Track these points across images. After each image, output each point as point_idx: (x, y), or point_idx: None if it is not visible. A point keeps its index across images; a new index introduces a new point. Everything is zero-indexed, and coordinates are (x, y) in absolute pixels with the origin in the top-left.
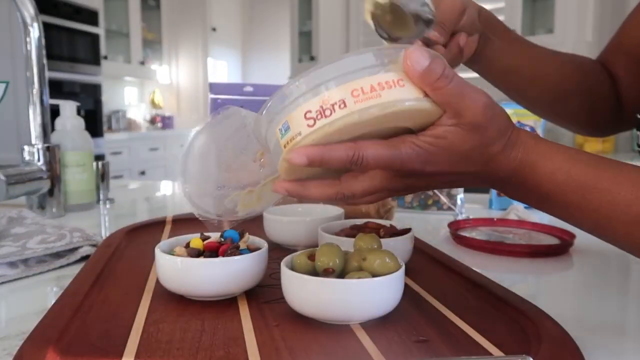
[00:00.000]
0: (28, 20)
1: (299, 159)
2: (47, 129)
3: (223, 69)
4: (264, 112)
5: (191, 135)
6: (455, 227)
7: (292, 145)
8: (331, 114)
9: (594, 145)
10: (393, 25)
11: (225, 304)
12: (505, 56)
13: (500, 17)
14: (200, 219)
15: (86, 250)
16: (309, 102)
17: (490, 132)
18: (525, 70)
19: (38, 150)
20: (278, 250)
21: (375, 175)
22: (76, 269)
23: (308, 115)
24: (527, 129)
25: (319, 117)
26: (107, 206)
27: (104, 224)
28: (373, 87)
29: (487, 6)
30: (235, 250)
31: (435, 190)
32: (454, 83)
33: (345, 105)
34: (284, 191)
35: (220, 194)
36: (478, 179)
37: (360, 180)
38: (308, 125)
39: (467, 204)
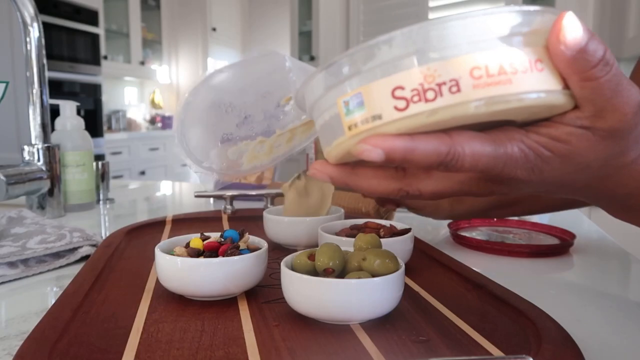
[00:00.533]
0: (28, 20)
1: (374, 155)
2: (47, 129)
3: None
4: (323, 70)
5: (213, 69)
6: (455, 227)
7: (363, 132)
8: (435, 97)
9: None
10: None
11: (225, 304)
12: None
13: None
14: (192, 170)
15: (86, 250)
16: (404, 72)
17: (629, 139)
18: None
19: (38, 150)
20: (278, 250)
21: (455, 176)
22: (76, 269)
23: (398, 92)
24: None
25: (416, 98)
26: (107, 206)
27: (104, 224)
28: (503, 69)
29: (486, 7)
30: (235, 250)
31: None
32: (612, 74)
33: (458, 89)
34: (326, 178)
35: (226, 143)
36: (587, 193)
37: (435, 180)
38: (396, 108)
39: None
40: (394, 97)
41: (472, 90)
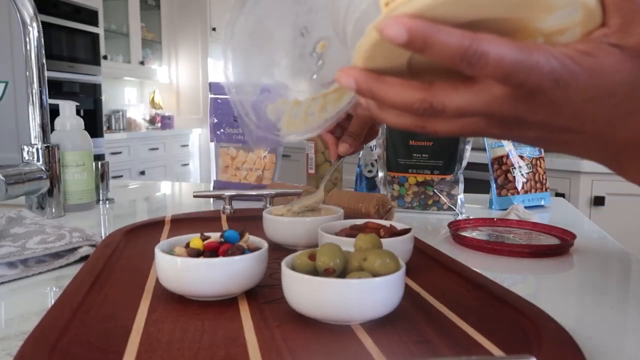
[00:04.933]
0: (27, 20)
1: (397, 31)
2: (47, 128)
3: None
4: None
5: None
6: (455, 227)
7: (399, 5)
8: None
9: None
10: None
11: (226, 304)
12: None
13: None
14: (239, 120)
15: (86, 250)
16: None
17: None
18: None
19: (37, 150)
20: (278, 251)
21: (483, 90)
22: (76, 269)
23: None
24: None
25: None
26: (107, 206)
27: (103, 224)
28: None
29: None
30: (236, 251)
31: (435, 190)
32: None
33: None
34: (350, 81)
35: (262, 98)
36: (606, 137)
37: (460, 92)
38: None
39: (467, 204)
40: None
41: None
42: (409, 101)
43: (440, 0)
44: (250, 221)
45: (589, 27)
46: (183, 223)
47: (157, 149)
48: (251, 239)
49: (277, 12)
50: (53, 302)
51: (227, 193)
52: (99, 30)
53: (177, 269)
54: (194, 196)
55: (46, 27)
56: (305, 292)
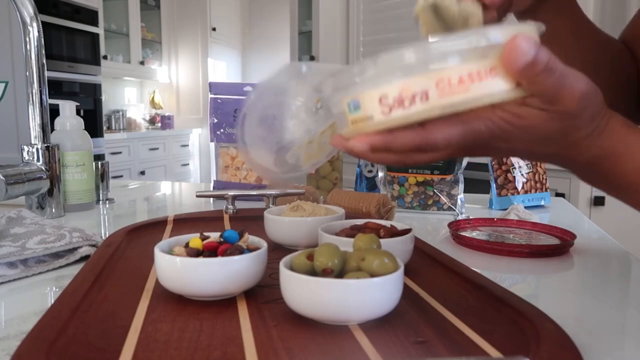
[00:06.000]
0: (27, 20)
1: (360, 147)
2: (47, 128)
3: (223, 69)
4: (333, 77)
5: (247, 99)
6: (455, 227)
7: (361, 128)
8: (410, 105)
9: None
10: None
11: (224, 304)
12: (555, 24)
13: None
14: (265, 180)
15: (86, 250)
16: (387, 85)
17: (579, 120)
18: (567, 42)
19: (37, 150)
20: (278, 251)
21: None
22: (76, 269)
23: (384, 100)
24: None
25: (396, 105)
26: (107, 206)
27: (103, 224)
28: (462, 79)
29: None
30: (235, 251)
31: (435, 190)
32: (556, 76)
33: (427, 98)
34: (343, 149)
35: (281, 153)
36: (555, 159)
37: (447, 130)
38: (382, 112)
39: (467, 204)
40: (380, 103)
41: (437, 98)
42: (414, 143)
43: (387, 124)
44: (252, 221)
45: (520, 97)
46: (185, 223)
47: (157, 149)
48: (251, 239)
49: (278, 92)
50: (53, 302)
51: (230, 193)
52: (99, 30)
53: (176, 268)
54: (197, 196)
55: (46, 27)
56: (303, 292)
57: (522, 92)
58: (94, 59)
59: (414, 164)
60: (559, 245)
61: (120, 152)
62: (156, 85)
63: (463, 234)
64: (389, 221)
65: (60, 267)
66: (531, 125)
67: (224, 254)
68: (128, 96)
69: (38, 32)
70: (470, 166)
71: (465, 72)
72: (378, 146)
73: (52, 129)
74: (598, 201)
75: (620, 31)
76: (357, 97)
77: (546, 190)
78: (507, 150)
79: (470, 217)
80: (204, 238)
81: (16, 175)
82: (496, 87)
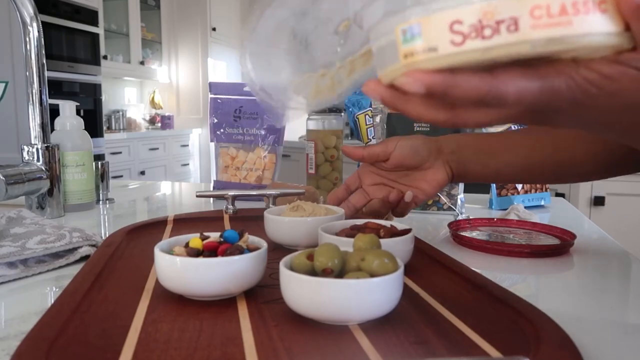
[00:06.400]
0: (27, 20)
1: (415, 88)
2: (47, 128)
3: (223, 69)
4: None
5: None
6: (455, 227)
7: (417, 62)
8: (492, 34)
9: None
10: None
11: (224, 304)
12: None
13: None
14: (260, 102)
15: (86, 250)
16: (464, 7)
17: None
18: (518, 170)
19: (37, 150)
20: (278, 251)
21: (502, 110)
22: (76, 269)
23: (456, 27)
24: None
25: (474, 34)
26: (107, 206)
27: (103, 224)
28: (564, 8)
29: None
30: (235, 251)
31: None
32: None
33: (516, 28)
34: (378, 97)
35: (288, 77)
36: (632, 133)
37: (481, 112)
38: (452, 42)
39: (467, 204)
40: (451, 31)
41: (529, 29)
42: (432, 119)
43: (456, 58)
44: (252, 221)
45: (618, 49)
46: (185, 223)
47: (157, 149)
48: (251, 239)
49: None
50: (53, 301)
51: (230, 193)
52: (99, 30)
53: (176, 268)
54: (197, 196)
55: (46, 27)
56: (303, 292)
57: (626, 41)
58: (94, 59)
59: (466, 125)
60: (559, 245)
61: (120, 152)
62: (156, 85)
63: (463, 234)
64: (389, 221)
65: (60, 267)
66: (624, 90)
67: (224, 254)
68: (128, 96)
69: (38, 32)
70: None
71: (569, 0)
72: (436, 88)
73: (52, 129)
74: (598, 201)
75: None
76: (421, 21)
77: (546, 190)
78: (580, 118)
79: (470, 217)
80: (204, 238)
81: (16, 175)
82: (599, 26)
